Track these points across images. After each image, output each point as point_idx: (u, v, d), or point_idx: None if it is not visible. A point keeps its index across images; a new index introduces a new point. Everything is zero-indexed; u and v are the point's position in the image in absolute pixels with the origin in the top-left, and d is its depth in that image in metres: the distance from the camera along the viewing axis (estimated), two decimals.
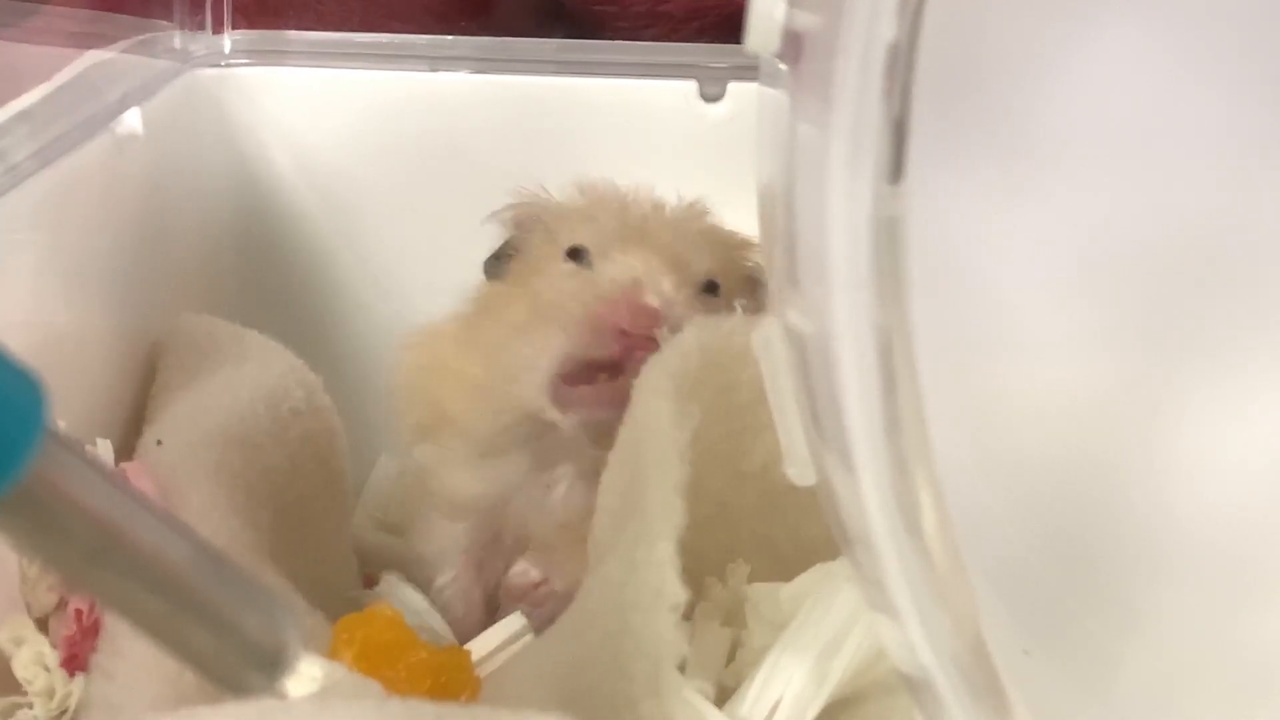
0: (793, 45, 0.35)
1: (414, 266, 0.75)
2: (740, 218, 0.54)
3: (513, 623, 0.51)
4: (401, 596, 0.59)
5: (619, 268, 0.52)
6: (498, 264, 0.60)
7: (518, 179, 0.74)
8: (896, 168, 0.31)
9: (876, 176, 0.30)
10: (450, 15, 0.81)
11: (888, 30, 0.30)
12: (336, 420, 0.60)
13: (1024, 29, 0.46)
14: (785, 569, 0.49)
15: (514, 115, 0.74)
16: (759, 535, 0.51)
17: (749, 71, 0.74)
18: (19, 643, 0.44)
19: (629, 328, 0.50)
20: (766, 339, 0.39)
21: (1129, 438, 0.47)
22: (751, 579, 0.50)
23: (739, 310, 0.50)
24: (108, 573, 0.25)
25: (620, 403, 0.48)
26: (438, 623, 0.58)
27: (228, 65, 0.74)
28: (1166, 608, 0.46)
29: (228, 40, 0.75)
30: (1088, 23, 0.45)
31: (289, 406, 0.57)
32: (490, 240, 0.74)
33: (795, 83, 0.35)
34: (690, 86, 0.74)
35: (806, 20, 0.34)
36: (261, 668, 0.27)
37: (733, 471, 0.50)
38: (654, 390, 0.46)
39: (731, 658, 0.48)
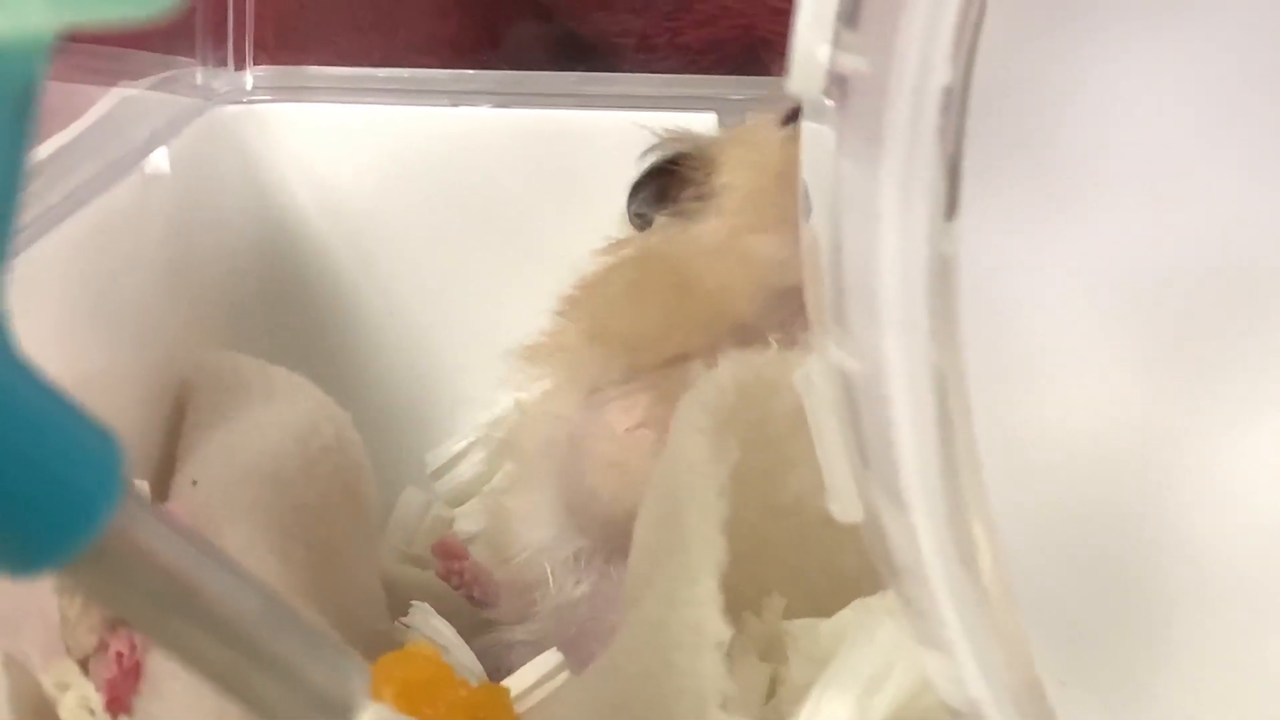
0: (838, 86, 0.35)
1: (436, 301, 0.76)
2: None
3: (549, 659, 0.51)
4: (432, 628, 0.59)
5: None
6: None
7: (539, 213, 0.75)
8: (951, 205, 0.31)
9: (932, 213, 0.31)
10: (469, 47, 0.82)
11: (942, 75, 0.30)
12: (364, 456, 0.61)
13: (1052, 57, 0.46)
14: (818, 602, 0.49)
15: (535, 149, 0.74)
16: (792, 568, 0.51)
17: (768, 103, 0.74)
18: (64, 688, 0.44)
19: None
20: (809, 377, 0.39)
21: (1165, 467, 0.47)
22: (785, 613, 0.50)
23: (773, 345, 0.50)
24: (181, 625, 0.25)
25: None
26: (467, 657, 0.58)
27: (250, 102, 0.74)
28: (1202, 638, 0.46)
29: (249, 77, 0.75)
30: (1117, 49, 0.46)
31: (319, 443, 0.58)
32: (513, 275, 0.74)
33: (842, 121, 0.35)
34: (710, 119, 0.74)
35: (853, 63, 0.34)
36: (329, 717, 0.27)
37: (766, 506, 0.50)
38: (691, 426, 0.46)
39: (770, 693, 0.47)
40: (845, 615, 0.46)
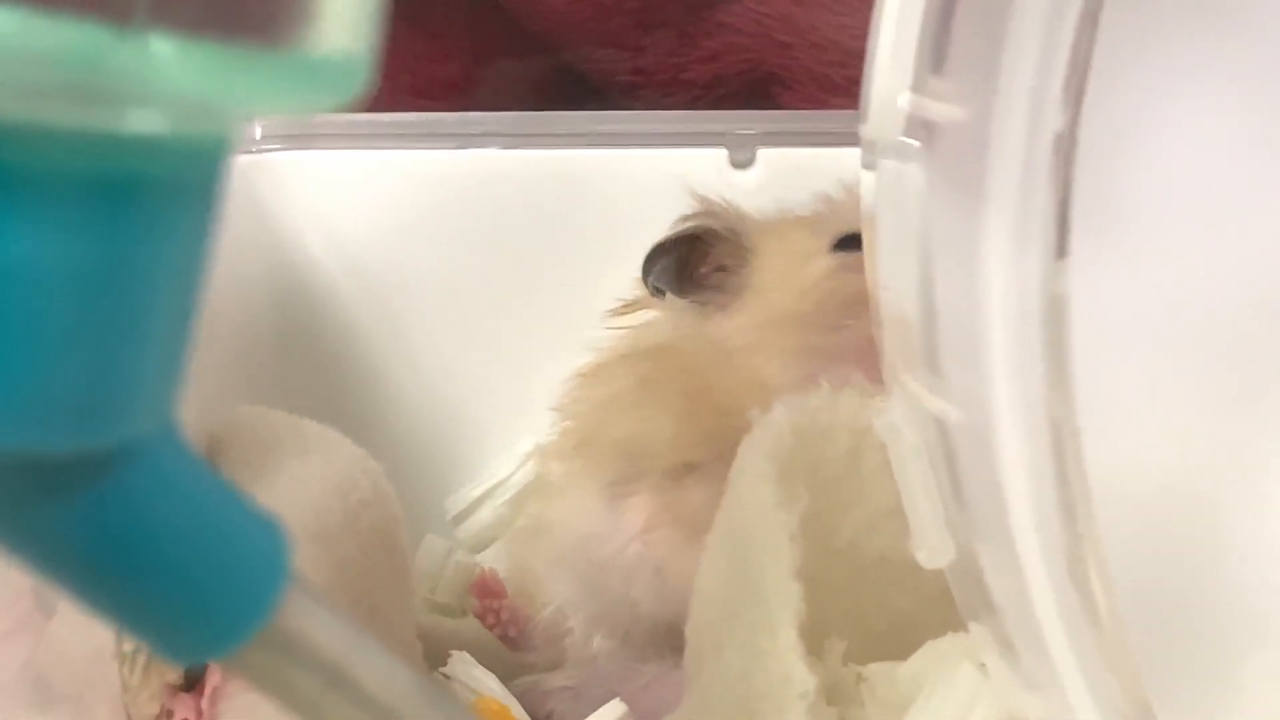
0: (925, 130, 0.35)
1: (449, 345, 0.75)
2: None
3: (614, 709, 0.51)
4: (474, 678, 0.58)
5: None
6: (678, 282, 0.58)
7: (551, 252, 0.74)
8: (1061, 245, 0.31)
9: (1044, 255, 0.31)
10: (472, 88, 0.82)
11: (1055, 121, 0.30)
12: (399, 507, 0.60)
13: (1102, 97, 0.46)
14: (874, 643, 0.49)
15: (545, 189, 0.74)
16: (848, 611, 0.51)
17: (777, 137, 0.74)
18: None
19: None
20: (893, 425, 0.39)
21: (1226, 505, 0.47)
22: (844, 656, 0.50)
23: (825, 387, 0.50)
24: (339, 705, 0.25)
25: None
26: (515, 707, 0.57)
27: (260, 151, 0.73)
28: (1266, 677, 0.46)
29: (258, 126, 0.74)
30: (1167, 79, 0.46)
31: (357, 497, 0.57)
32: (526, 316, 0.74)
33: (930, 166, 0.35)
34: (721, 154, 0.74)
35: (944, 110, 0.34)
36: None
37: (823, 548, 0.50)
38: (756, 474, 0.46)
39: None
40: (921, 659, 0.46)
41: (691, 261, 0.58)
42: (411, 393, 0.76)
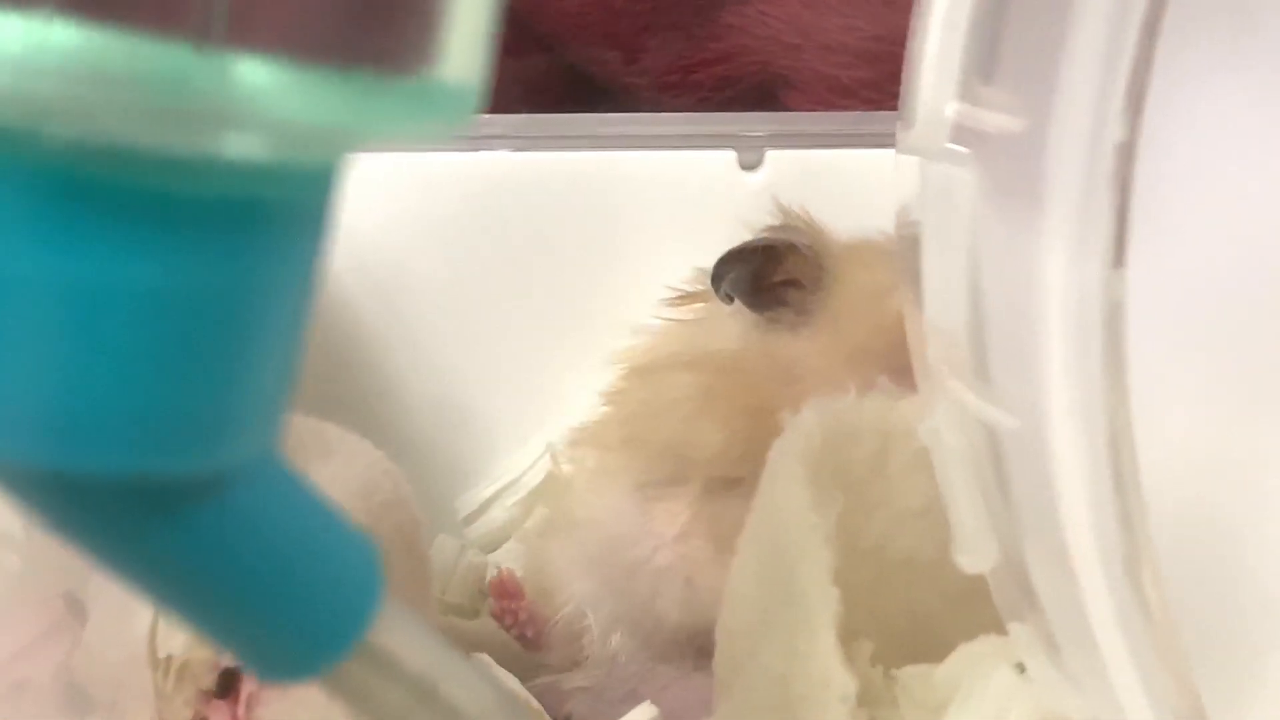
0: (976, 139, 0.36)
1: (458, 348, 0.75)
2: None
3: (644, 712, 0.51)
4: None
5: None
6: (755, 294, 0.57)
7: (562, 255, 0.74)
8: (1120, 254, 0.31)
9: (1104, 263, 0.31)
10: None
11: (1116, 132, 0.30)
12: (418, 509, 0.60)
13: None
14: (900, 643, 0.50)
15: (556, 192, 0.74)
16: (874, 612, 0.51)
17: (786, 139, 0.75)
18: None
19: None
20: (935, 431, 0.39)
21: (1241, 500, 0.47)
22: (872, 657, 0.50)
23: (852, 390, 0.50)
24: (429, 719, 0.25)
25: None
26: (537, 709, 0.57)
27: None
28: None
29: None
30: (1184, 82, 0.46)
31: (379, 500, 0.57)
32: (537, 319, 0.74)
33: (982, 174, 0.35)
34: (729, 156, 0.74)
35: (997, 120, 0.34)
36: None
37: (850, 549, 0.50)
38: (789, 476, 0.46)
39: None
40: (956, 660, 0.46)
41: (765, 272, 0.57)
42: (421, 394, 0.76)
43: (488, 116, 0.76)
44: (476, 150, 0.74)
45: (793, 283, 0.57)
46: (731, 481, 0.54)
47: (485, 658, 0.60)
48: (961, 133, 0.36)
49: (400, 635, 0.24)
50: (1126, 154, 0.30)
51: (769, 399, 0.54)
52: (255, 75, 0.19)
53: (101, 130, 0.19)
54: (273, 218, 0.21)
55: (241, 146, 0.20)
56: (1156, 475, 0.47)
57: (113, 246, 0.19)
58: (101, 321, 0.19)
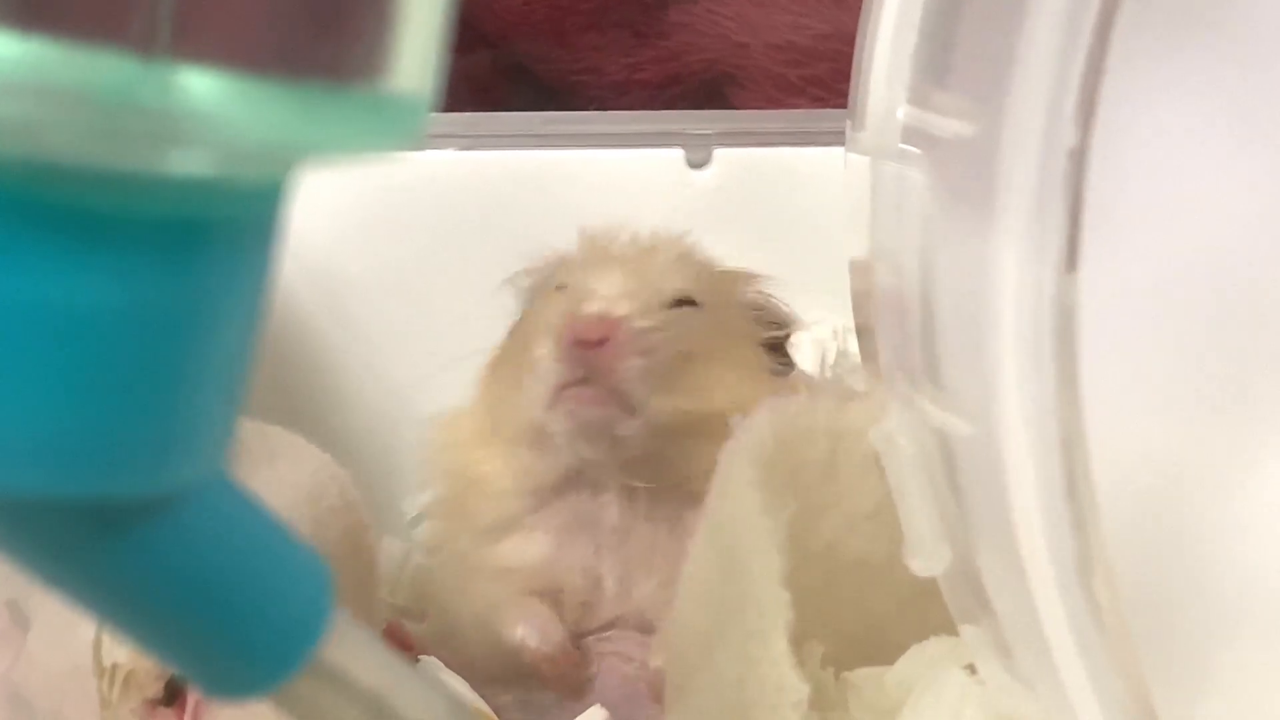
0: (925, 142, 0.36)
1: (405, 349, 0.74)
2: None
3: (594, 715, 0.50)
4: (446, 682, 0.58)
5: (578, 289, 0.54)
6: None
7: (507, 255, 0.74)
8: (1072, 258, 0.31)
9: (1057, 268, 0.31)
10: None
11: (1069, 138, 0.30)
12: (366, 513, 0.60)
13: None
14: (851, 646, 0.50)
15: (503, 191, 0.74)
16: (825, 614, 0.51)
17: (734, 138, 0.74)
18: None
19: (583, 336, 0.52)
20: (888, 435, 0.39)
21: (1202, 498, 0.47)
22: (822, 660, 0.50)
23: (803, 392, 0.50)
24: None
25: (603, 402, 0.51)
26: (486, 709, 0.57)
27: None
28: (1242, 668, 0.47)
29: None
30: (1148, 95, 0.46)
31: (326, 504, 0.56)
32: (481, 317, 0.73)
33: (934, 178, 0.35)
34: (677, 154, 0.74)
35: (950, 125, 0.34)
36: None
37: (801, 552, 0.50)
38: (741, 479, 0.46)
39: None
40: (907, 664, 0.46)
41: None
42: (368, 395, 0.75)
43: (434, 115, 0.75)
44: (424, 149, 0.73)
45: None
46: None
47: (434, 660, 0.59)
48: (913, 135, 0.36)
49: (350, 650, 0.24)
50: (1079, 159, 0.30)
51: None
52: (201, 88, 0.19)
53: (39, 146, 0.18)
54: (220, 235, 0.20)
55: (187, 163, 0.19)
56: (1110, 479, 0.47)
57: (55, 266, 0.18)
58: (44, 342, 0.19)
